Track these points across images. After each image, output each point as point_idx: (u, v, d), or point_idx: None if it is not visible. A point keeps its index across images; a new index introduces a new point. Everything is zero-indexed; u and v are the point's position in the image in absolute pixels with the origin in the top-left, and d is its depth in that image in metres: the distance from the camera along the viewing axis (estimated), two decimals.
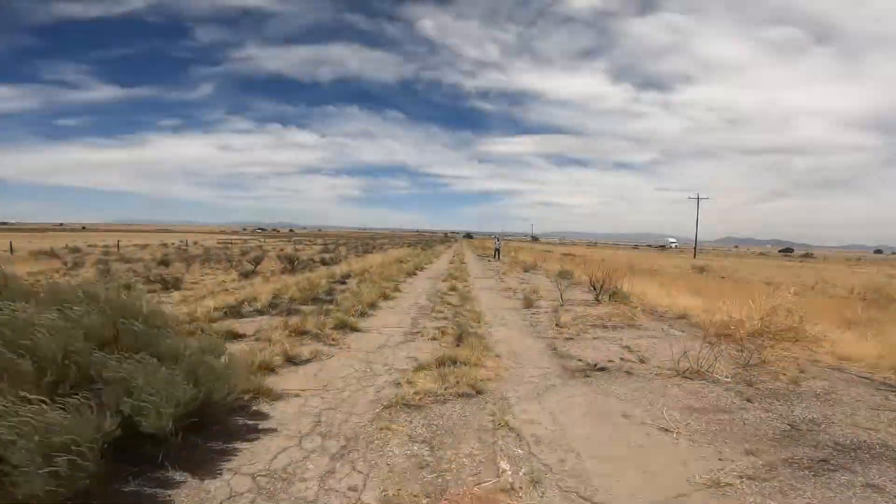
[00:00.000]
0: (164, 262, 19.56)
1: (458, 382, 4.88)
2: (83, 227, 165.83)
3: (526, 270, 21.34)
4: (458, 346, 6.45)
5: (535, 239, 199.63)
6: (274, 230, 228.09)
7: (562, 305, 10.72)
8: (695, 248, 57.76)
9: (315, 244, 60.38)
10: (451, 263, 25.68)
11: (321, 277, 14.66)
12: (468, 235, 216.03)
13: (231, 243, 58.59)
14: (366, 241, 76.37)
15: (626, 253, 67.26)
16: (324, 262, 25.75)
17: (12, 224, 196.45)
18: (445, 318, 8.93)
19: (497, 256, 32.35)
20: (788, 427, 4.21)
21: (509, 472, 3.26)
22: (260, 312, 9.00)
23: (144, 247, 42.13)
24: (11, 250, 25.98)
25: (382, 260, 26.05)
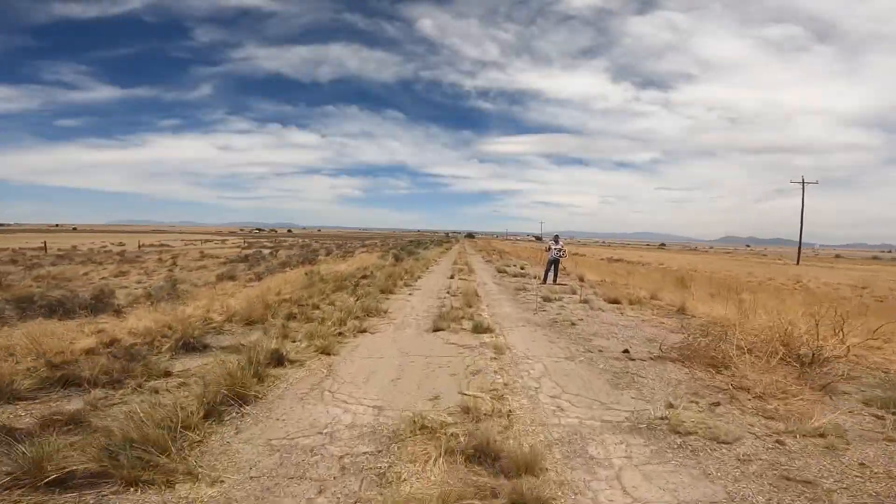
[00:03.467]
0: None
1: None
2: (74, 229, 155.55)
3: None
4: None
5: (538, 238, 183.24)
6: (272, 230, 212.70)
7: None
8: (798, 252, 38.97)
9: (269, 246, 42.26)
10: (440, 323, 7.09)
11: None
12: (470, 235, 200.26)
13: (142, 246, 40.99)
14: (344, 242, 58.56)
15: (688, 256, 48.53)
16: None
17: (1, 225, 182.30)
18: None
19: (549, 278, 13.91)
20: None
21: None
22: None
23: None
24: None
25: (258, 294, 7.81)
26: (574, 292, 11.70)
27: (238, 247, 41.62)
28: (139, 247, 38.20)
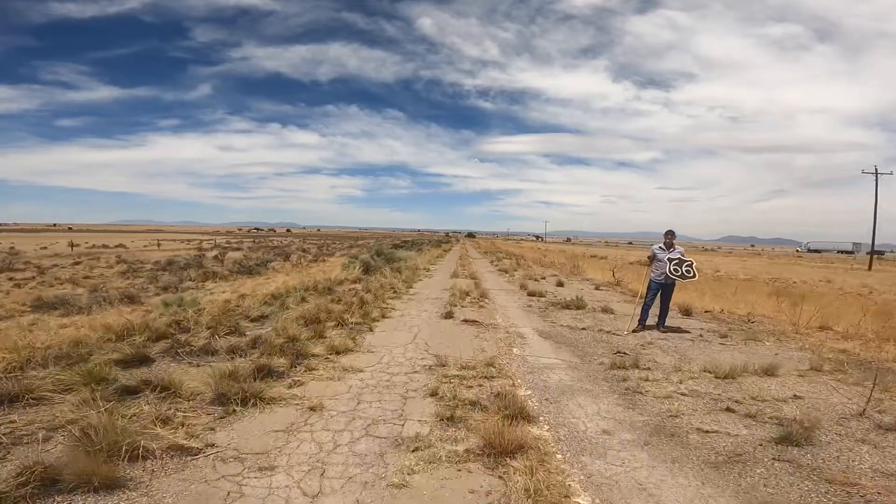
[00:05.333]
0: None
1: None
2: (69, 228, 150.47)
3: None
4: None
5: (538, 238, 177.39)
6: (271, 230, 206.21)
7: None
8: (871, 256, 31.22)
9: (230, 247, 34.61)
10: None
11: None
12: (471, 235, 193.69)
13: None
14: (333, 243, 51.07)
15: (717, 258, 40.90)
16: None
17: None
18: None
19: (647, 315, 6.45)
20: None
21: None
22: None
23: None
24: None
25: None
26: (770, 372, 4.34)
27: (198, 249, 34.29)
28: (71, 247, 30.91)
